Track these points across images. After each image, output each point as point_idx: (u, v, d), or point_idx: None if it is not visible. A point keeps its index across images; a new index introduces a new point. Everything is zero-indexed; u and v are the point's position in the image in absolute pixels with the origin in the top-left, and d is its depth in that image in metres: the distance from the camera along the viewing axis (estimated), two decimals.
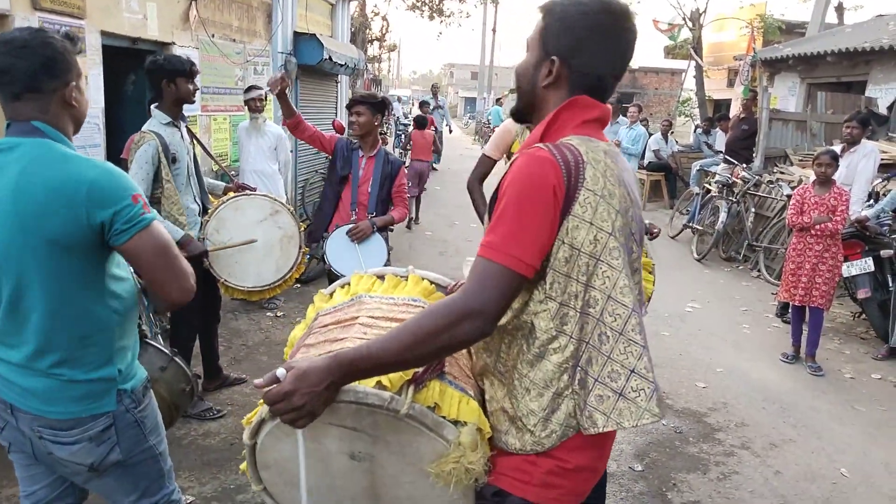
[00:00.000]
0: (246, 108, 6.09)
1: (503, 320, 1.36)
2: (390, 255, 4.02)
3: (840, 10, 17.29)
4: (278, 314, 5.66)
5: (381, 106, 3.96)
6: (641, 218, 1.49)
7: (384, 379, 1.30)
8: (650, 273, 3.08)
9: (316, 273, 6.47)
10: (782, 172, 8.85)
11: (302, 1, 8.91)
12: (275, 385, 1.24)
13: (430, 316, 1.24)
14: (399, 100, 24.00)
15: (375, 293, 1.68)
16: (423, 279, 1.74)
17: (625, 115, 10.57)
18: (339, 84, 10.70)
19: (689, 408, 4.39)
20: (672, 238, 9.74)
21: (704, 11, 15.77)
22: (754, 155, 9.77)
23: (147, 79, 3.64)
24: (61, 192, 1.58)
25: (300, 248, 3.65)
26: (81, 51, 1.73)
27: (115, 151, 4.91)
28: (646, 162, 11.80)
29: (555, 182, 1.27)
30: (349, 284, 1.79)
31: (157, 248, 1.66)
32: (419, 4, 23.88)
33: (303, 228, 3.75)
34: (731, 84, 16.05)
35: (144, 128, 3.53)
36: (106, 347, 1.76)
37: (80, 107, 1.75)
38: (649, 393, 1.31)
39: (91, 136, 4.88)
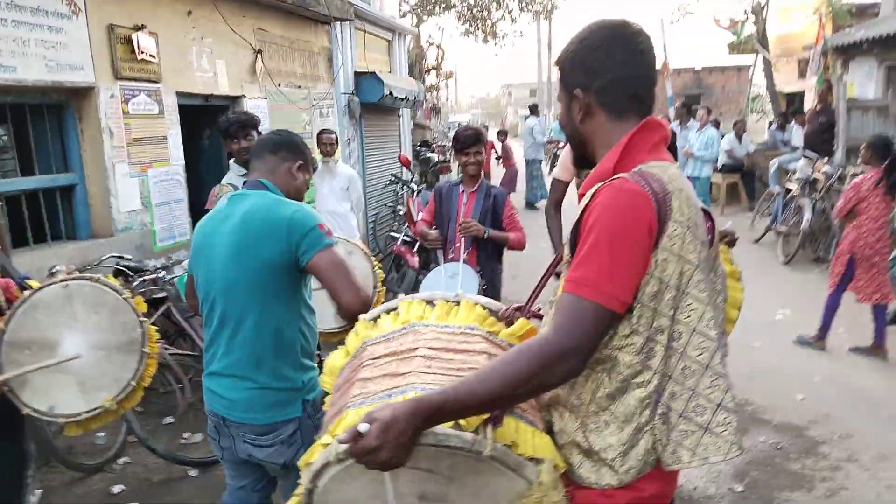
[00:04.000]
0: (318, 151, 6.24)
1: None
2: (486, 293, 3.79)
3: None
4: None
5: (484, 139, 3.99)
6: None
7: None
8: (738, 281, 2.97)
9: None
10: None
11: (360, 41, 9.19)
12: (359, 440, 1.16)
13: (523, 359, 1.20)
14: (459, 125, 24.22)
15: (429, 321, 1.60)
16: (475, 304, 1.66)
17: (694, 118, 10.29)
18: (400, 117, 10.93)
19: (788, 422, 4.18)
20: (755, 242, 9.35)
21: (767, 3, 15.25)
22: (834, 148, 9.31)
23: None
24: (271, 224, 2.06)
25: (375, 287, 3.70)
26: (316, 167, 2.33)
27: (197, 204, 5.15)
28: (719, 164, 11.43)
29: (650, 216, 1.25)
30: (395, 310, 1.70)
31: (334, 264, 2.07)
32: (472, 29, 24.16)
33: (377, 266, 3.79)
34: (802, 75, 15.39)
35: (223, 181, 3.71)
36: (294, 362, 2.14)
37: (297, 181, 2.29)
38: (736, 426, 1.30)
39: (174, 192, 5.17)
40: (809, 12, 14.78)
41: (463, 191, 3.95)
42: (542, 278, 1.70)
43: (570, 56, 1.42)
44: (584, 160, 1.51)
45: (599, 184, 1.32)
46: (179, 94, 5.22)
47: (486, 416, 1.30)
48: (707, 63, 29.35)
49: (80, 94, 4.34)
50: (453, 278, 3.72)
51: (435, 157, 12.81)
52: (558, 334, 1.21)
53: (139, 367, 2.54)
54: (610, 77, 1.37)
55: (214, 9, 5.51)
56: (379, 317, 1.73)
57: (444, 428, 1.24)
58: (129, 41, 4.55)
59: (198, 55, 5.43)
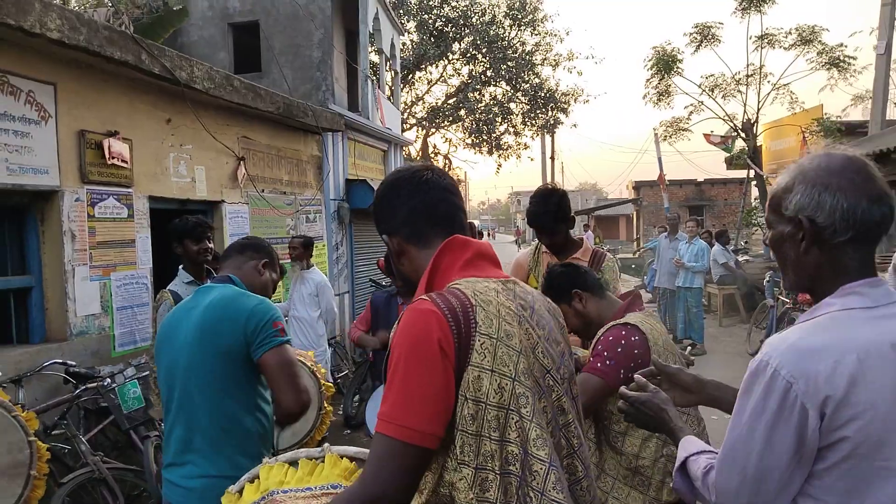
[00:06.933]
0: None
1: (419, 500, 1.19)
2: None
3: None
4: None
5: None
6: (565, 352, 1.35)
7: None
8: None
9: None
10: None
11: (352, 150, 9.40)
12: None
13: None
14: None
15: (290, 485, 1.52)
16: (341, 458, 1.57)
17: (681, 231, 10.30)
18: None
19: None
20: (751, 355, 9.06)
21: (756, 121, 15.68)
22: None
23: None
24: (232, 314, 2.11)
25: (320, 409, 3.48)
26: (284, 272, 2.70)
27: None
28: (715, 277, 11.29)
29: (439, 335, 1.15)
30: (259, 478, 1.61)
31: (281, 364, 2.07)
32: (478, 142, 24.93)
33: (326, 387, 3.53)
34: None
35: (168, 287, 3.62)
36: (253, 452, 2.08)
37: (262, 277, 2.39)
38: None
39: (138, 295, 5.07)
40: (798, 129, 15.13)
41: (402, 303, 3.83)
42: None
43: (374, 213, 1.47)
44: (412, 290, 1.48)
45: None
46: (153, 199, 5.24)
47: None
48: (710, 175, 29.95)
49: (43, 197, 4.34)
50: None
51: None
52: (363, 482, 1.11)
53: (24, 491, 2.39)
54: (404, 211, 1.38)
55: (195, 118, 5.64)
56: (244, 487, 1.65)
57: None
58: (100, 146, 4.61)
59: (175, 161, 5.50)
